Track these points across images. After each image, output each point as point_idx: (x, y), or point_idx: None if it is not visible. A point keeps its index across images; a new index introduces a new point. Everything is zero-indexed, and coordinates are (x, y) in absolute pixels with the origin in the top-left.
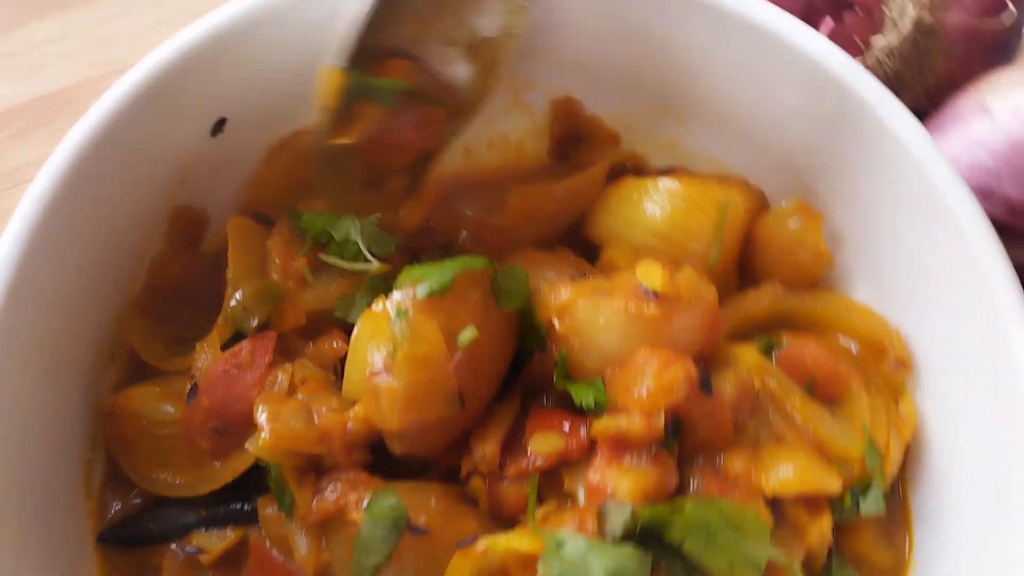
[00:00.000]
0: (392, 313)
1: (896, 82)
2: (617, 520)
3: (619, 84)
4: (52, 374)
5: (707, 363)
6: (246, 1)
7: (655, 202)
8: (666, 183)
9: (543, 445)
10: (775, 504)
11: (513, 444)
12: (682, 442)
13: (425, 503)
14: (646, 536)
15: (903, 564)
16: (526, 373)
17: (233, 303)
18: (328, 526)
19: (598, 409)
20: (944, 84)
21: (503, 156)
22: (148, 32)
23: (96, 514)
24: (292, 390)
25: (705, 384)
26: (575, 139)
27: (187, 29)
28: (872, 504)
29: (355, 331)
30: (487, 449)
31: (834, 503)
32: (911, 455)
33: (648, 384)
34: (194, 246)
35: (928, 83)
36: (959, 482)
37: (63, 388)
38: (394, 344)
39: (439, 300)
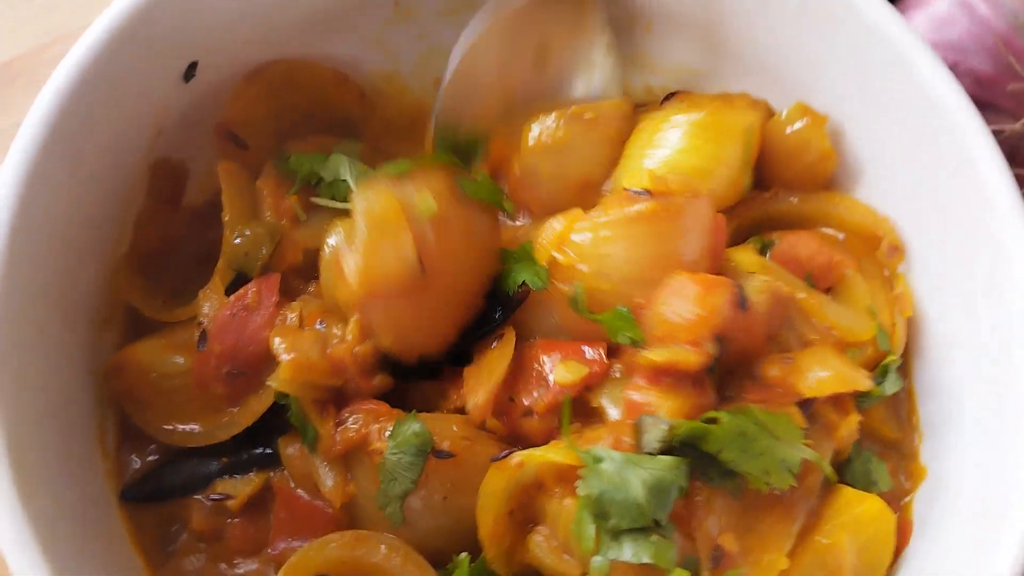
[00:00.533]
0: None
1: None
2: (655, 435)
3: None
4: (52, 341)
5: (730, 272)
6: None
7: (679, 133)
8: (679, 117)
9: (567, 374)
10: (805, 405)
11: (520, 381)
12: (720, 358)
13: (447, 429)
14: (682, 448)
15: (911, 435)
16: (519, 316)
17: (236, 243)
18: (351, 458)
19: (633, 342)
20: None
21: None
22: None
23: (115, 473)
24: (303, 326)
25: (742, 301)
26: None
27: None
28: (892, 384)
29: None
30: (478, 399)
31: (860, 394)
32: (910, 333)
33: (692, 310)
34: (176, 200)
35: None
36: (956, 353)
37: (65, 354)
38: (353, 224)
39: (398, 179)
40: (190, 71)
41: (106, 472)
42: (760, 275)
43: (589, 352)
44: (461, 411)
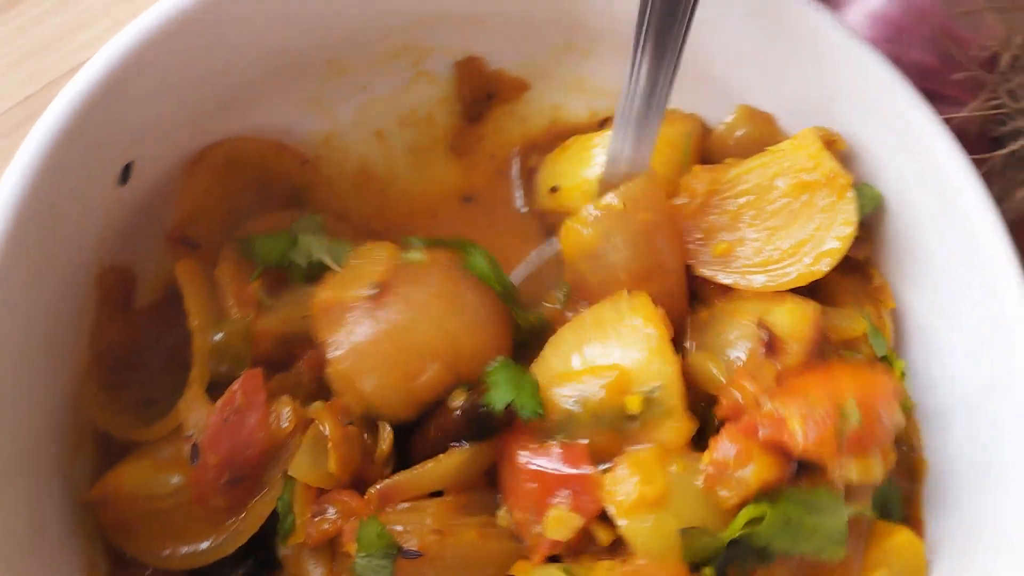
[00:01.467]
0: None
1: None
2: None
3: (516, 31)
4: (22, 478)
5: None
6: (120, 43)
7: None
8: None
9: (560, 529)
10: None
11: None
12: None
13: (419, 523)
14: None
15: (906, 425)
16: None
17: (212, 346)
18: (336, 554)
19: None
20: None
21: (416, 132)
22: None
23: None
24: (301, 420)
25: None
26: (486, 97)
27: (71, 82)
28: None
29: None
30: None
31: None
32: (897, 327)
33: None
34: (127, 306)
35: None
36: (940, 338)
37: (39, 485)
38: None
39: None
40: (125, 173)
41: None
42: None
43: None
44: None
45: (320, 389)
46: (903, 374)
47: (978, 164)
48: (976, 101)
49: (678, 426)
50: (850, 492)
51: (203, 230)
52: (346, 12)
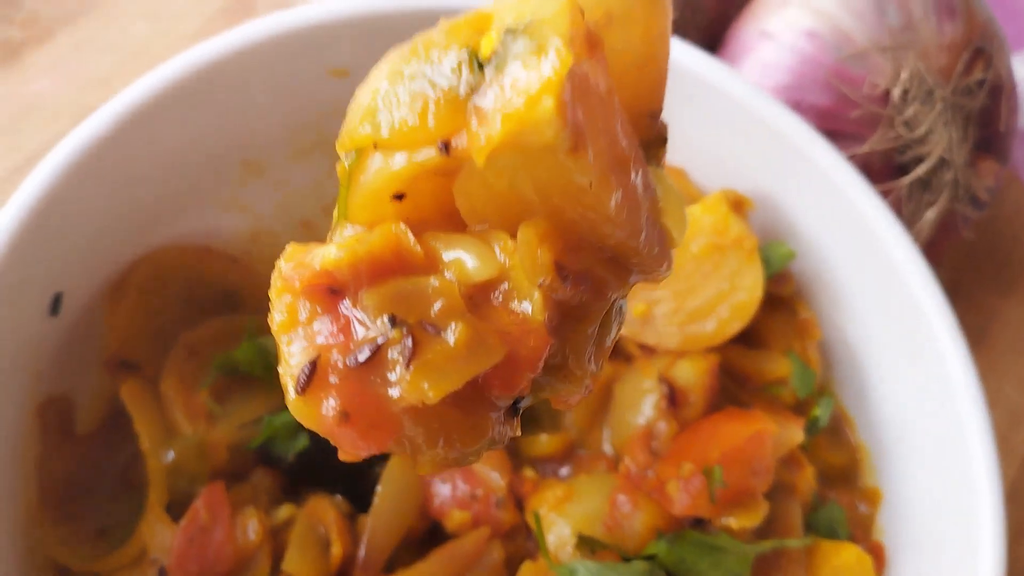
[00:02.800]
0: None
1: (678, 28)
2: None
3: None
4: None
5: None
6: (38, 179)
7: None
8: None
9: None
10: None
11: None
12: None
13: None
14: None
15: (855, 452)
16: None
17: (166, 464)
18: None
19: None
20: (715, 18)
21: None
22: None
23: None
24: (267, 533)
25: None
26: None
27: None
28: (825, 411)
29: None
30: None
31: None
32: (829, 355)
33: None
34: (69, 434)
35: (700, 22)
36: (874, 363)
37: None
38: None
39: None
40: (56, 304)
41: None
42: (691, 357)
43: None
44: None
45: (281, 493)
46: (816, 418)
47: (887, 192)
48: (875, 135)
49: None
50: (771, 529)
51: (139, 350)
52: (255, 114)
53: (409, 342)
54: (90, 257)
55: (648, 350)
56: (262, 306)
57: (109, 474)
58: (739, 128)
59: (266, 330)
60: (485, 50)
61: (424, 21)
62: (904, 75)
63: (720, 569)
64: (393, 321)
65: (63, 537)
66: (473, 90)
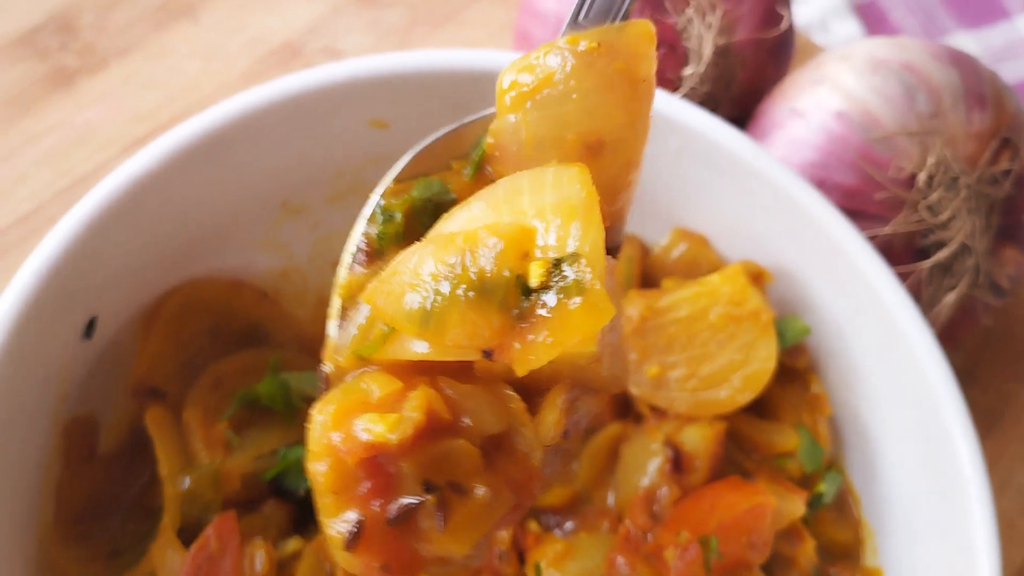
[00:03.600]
0: None
1: (710, 102)
2: None
3: None
4: None
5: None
6: (85, 208)
7: None
8: None
9: None
10: None
11: None
12: None
13: None
14: None
15: (859, 529)
16: None
17: (182, 492)
18: None
19: None
20: (747, 91)
21: None
22: None
23: None
24: (274, 565)
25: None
26: None
27: (42, 246)
28: (831, 486)
29: None
30: None
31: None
32: (838, 430)
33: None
34: (91, 455)
35: (734, 94)
36: (881, 435)
37: None
38: None
39: None
40: (89, 328)
41: None
42: (699, 423)
43: None
44: None
45: (291, 526)
46: (821, 494)
47: (906, 275)
48: (898, 217)
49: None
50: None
51: (166, 378)
52: (297, 159)
53: (441, 511)
54: (126, 285)
55: (659, 412)
56: (286, 341)
57: (126, 497)
58: (763, 202)
59: (289, 365)
60: (533, 279)
61: (461, 81)
62: (930, 160)
63: None
64: (428, 486)
65: (76, 556)
66: (521, 315)
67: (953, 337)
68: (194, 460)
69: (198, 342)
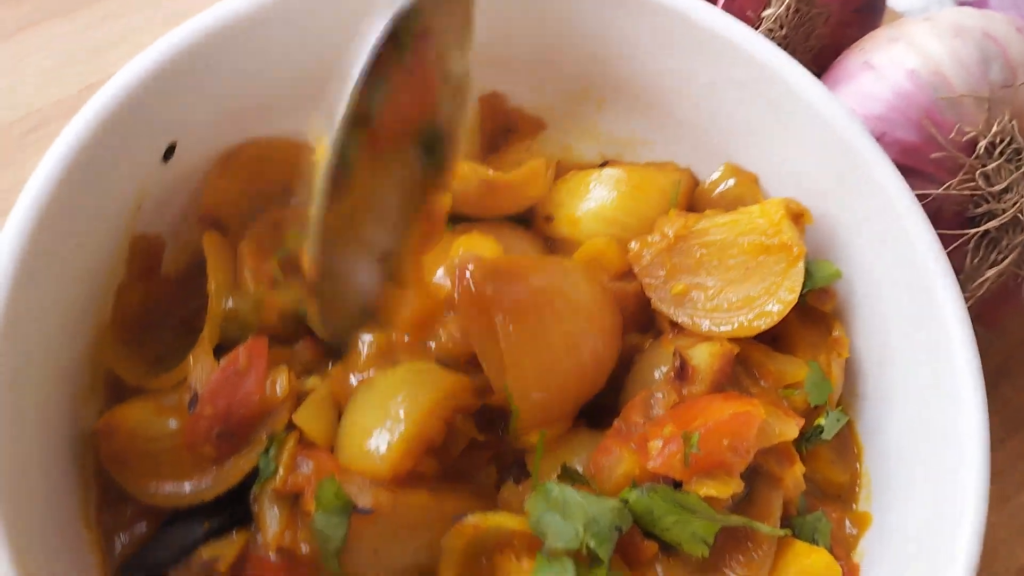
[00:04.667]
0: None
1: (786, 48)
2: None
3: (539, 75)
4: (38, 412)
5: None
6: (188, 29)
7: (603, 190)
8: (610, 171)
9: None
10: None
11: None
12: None
13: (367, 486)
14: None
15: (857, 476)
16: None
17: (224, 311)
18: (300, 513)
19: None
20: (826, 46)
21: None
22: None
23: (98, 546)
24: (293, 389)
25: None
26: (504, 131)
27: (135, 60)
28: (832, 424)
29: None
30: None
31: (801, 436)
32: (849, 375)
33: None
34: (154, 272)
35: (812, 47)
36: (895, 393)
37: (49, 424)
38: None
39: None
40: (169, 151)
41: (90, 544)
42: (711, 342)
43: None
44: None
45: (314, 365)
46: (820, 427)
47: (953, 239)
48: (953, 180)
49: None
50: (748, 512)
51: (232, 215)
52: None
53: None
54: (207, 123)
55: (678, 329)
56: None
57: (178, 314)
58: (819, 146)
59: None
60: None
61: None
62: (995, 128)
63: (684, 528)
64: None
65: (125, 355)
66: None
67: (991, 316)
68: (241, 287)
69: (267, 192)
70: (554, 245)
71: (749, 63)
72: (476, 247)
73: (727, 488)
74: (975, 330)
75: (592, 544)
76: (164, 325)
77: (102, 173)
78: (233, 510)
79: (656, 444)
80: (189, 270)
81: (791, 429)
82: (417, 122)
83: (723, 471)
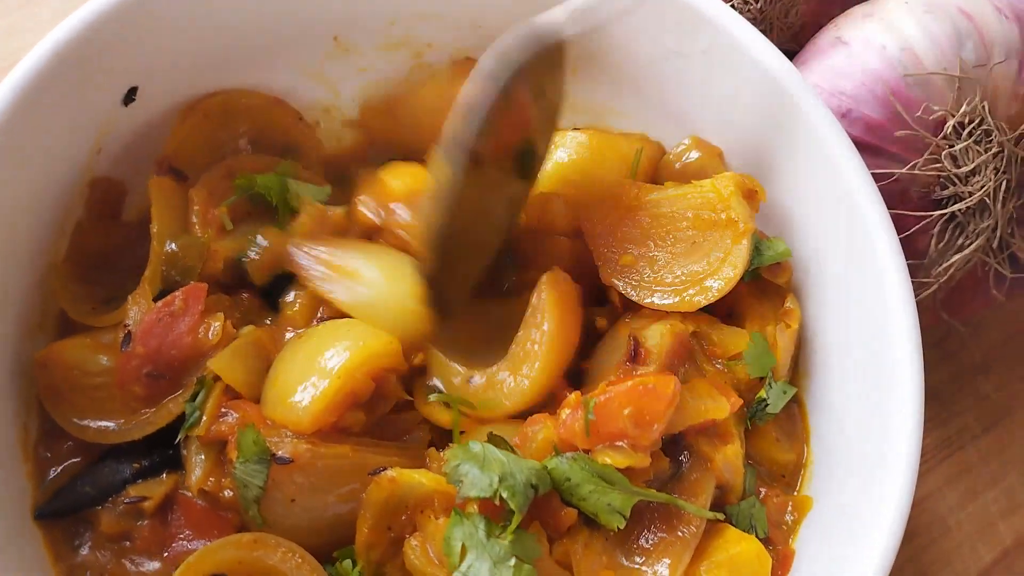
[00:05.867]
0: None
1: (763, 23)
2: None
3: None
4: None
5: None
6: None
7: (563, 152)
8: (574, 134)
9: None
10: (678, 439)
11: None
12: None
13: (286, 435)
14: None
15: (803, 457)
16: None
17: (166, 254)
18: (224, 461)
19: None
20: (808, 23)
21: None
22: (55, 19)
23: (34, 476)
24: (227, 337)
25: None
26: None
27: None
28: (777, 399)
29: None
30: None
31: (744, 414)
32: (801, 351)
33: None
34: (114, 215)
35: (792, 24)
36: (839, 370)
37: None
38: None
39: None
40: (130, 95)
41: (27, 474)
42: (665, 322)
43: None
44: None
45: (258, 318)
46: (763, 400)
47: (916, 222)
48: (919, 160)
49: None
50: (675, 491)
51: (191, 164)
52: None
53: None
54: (171, 69)
55: (627, 303)
56: (312, 164)
57: (132, 259)
58: (781, 124)
59: (301, 179)
60: None
61: None
62: (964, 108)
63: (601, 499)
64: None
65: (75, 292)
66: None
67: (962, 308)
68: (189, 234)
69: (230, 144)
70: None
71: (709, 29)
72: (401, 175)
73: (629, 460)
74: (952, 323)
75: (505, 495)
76: (118, 268)
77: (58, 108)
78: (164, 453)
79: (564, 412)
80: (148, 219)
81: (720, 408)
82: (513, 145)
83: (628, 443)
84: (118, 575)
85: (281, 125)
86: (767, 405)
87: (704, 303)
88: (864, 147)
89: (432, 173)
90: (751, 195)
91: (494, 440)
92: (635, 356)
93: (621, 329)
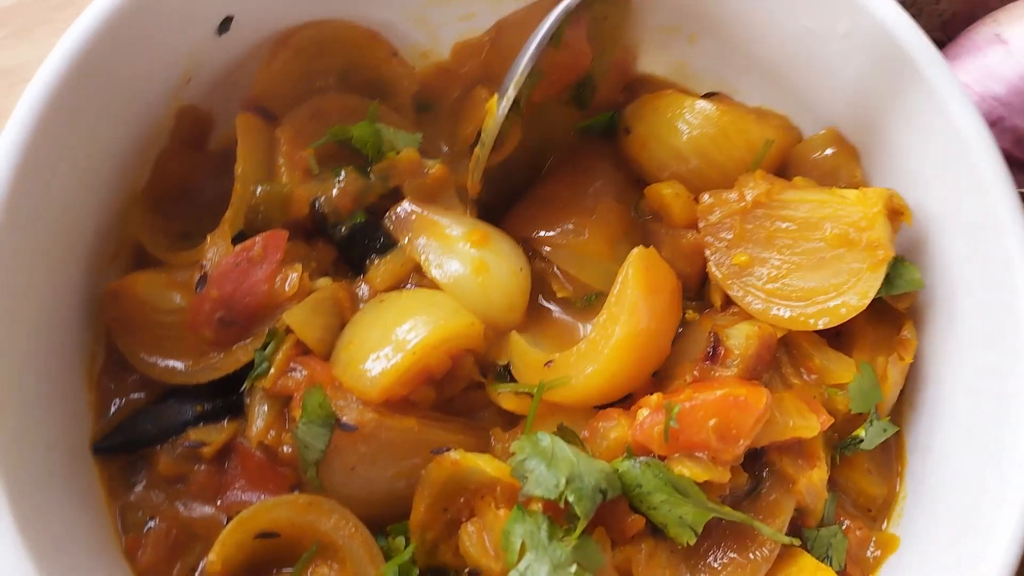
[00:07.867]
0: None
1: (912, 6)
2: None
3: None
4: (57, 268)
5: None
6: None
7: (685, 124)
8: (703, 105)
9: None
10: (757, 454)
11: None
12: None
13: (353, 403)
14: None
15: (894, 492)
16: None
17: (249, 196)
18: (287, 418)
19: None
20: (960, 14)
21: None
22: None
23: (96, 407)
24: (303, 289)
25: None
26: None
27: None
28: (875, 434)
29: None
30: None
31: (835, 440)
32: (909, 385)
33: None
34: (200, 146)
35: (943, 11)
36: (951, 411)
37: (67, 282)
38: None
39: None
40: (224, 25)
41: (89, 404)
42: (752, 323)
43: None
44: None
45: (335, 270)
46: (859, 438)
47: None
48: None
49: None
50: (753, 511)
51: (280, 103)
52: None
53: None
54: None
55: (727, 302)
56: (402, 106)
57: (213, 193)
58: (926, 126)
59: (386, 120)
60: None
61: None
62: None
63: (672, 510)
64: None
65: (151, 224)
66: None
67: None
68: (275, 176)
69: (321, 79)
70: (624, 163)
71: (851, 12)
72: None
73: (708, 474)
74: None
75: (571, 499)
76: (198, 201)
77: (152, 33)
78: (227, 399)
79: (643, 413)
80: (233, 152)
81: (810, 426)
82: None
83: (709, 455)
84: (170, 517)
85: (373, 61)
86: (861, 442)
87: (820, 327)
88: (1013, 162)
89: (487, 112)
90: (896, 215)
91: (563, 432)
92: (714, 355)
93: (704, 321)
